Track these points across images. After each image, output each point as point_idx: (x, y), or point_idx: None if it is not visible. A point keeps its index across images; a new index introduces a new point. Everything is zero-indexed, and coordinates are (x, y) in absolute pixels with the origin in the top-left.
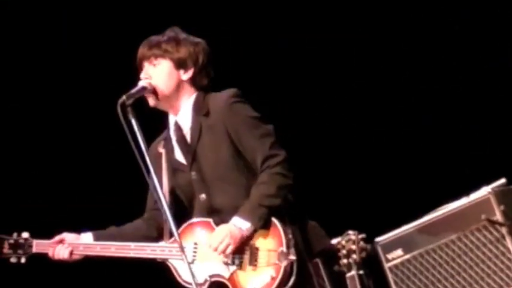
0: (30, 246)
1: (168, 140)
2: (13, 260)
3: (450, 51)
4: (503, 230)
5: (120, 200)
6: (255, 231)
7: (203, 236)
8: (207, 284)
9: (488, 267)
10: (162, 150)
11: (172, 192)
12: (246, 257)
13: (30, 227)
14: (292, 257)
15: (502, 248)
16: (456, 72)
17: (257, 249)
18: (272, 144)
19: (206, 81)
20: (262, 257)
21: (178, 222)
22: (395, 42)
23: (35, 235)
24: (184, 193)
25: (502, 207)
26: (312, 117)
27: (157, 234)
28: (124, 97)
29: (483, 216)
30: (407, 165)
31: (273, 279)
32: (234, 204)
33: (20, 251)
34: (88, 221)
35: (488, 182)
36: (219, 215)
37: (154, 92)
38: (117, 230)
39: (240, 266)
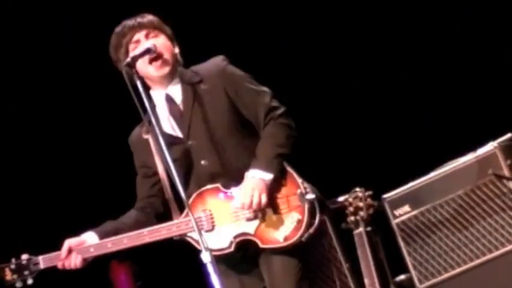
0: (36, 264)
1: (155, 117)
2: (18, 285)
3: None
4: (510, 184)
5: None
6: (275, 180)
7: (216, 201)
8: (233, 246)
9: (496, 221)
10: (146, 136)
11: (167, 172)
12: (268, 208)
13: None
14: (312, 196)
15: (509, 202)
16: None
17: (276, 197)
18: (272, 98)
19: (181, 59)
20: (283, 203)
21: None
22: (391, 38)
23: (26, 249)
24: (181, 166)
25: (508, 161)
26: (317, 78)
27: (157, 221)
28: (129, 59)
29: (490, 171)
30: (414, 121)
31: (300, 221)
32: (236, 165)
33: (25, 272)
34: (75, 220)
35: (494, 137)
36: (222, 178)
37: (158, 58)
38: (117, 223)
39: (264, 219)
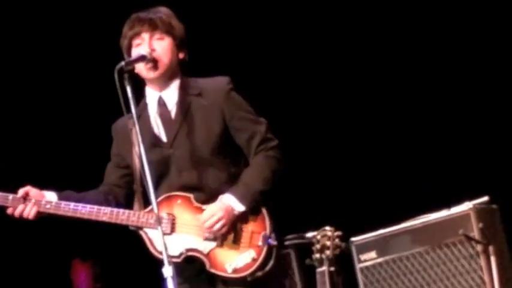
0: None
1: (144, 117)
2: None
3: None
4: (479, 248)
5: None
6: (245, 213)
7: (182, 209)
8: (182, 257)
9: (459, 282)
10: (130, 127)
11: (140, 169)
12: (230, 235)
13: None
14: (274, 242)
15: (474, 265)
16: (446, 88)
17: (241, 229)
18: (267, 129)
19: (187, 64)
20: (245, 237)
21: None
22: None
23: None
24: (156, 169)
25: (481, 224)
26: (300, 116)
27: (116, 208)
28: (123, 63)
29: (461, 231)
30: (396, 171)
31: (254, 260)
32: (212, 186)
33: None
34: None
35: (471, 198)
36: (196, 192)
37: (154, 62)
38: (78, 194)
39: (222, 244)
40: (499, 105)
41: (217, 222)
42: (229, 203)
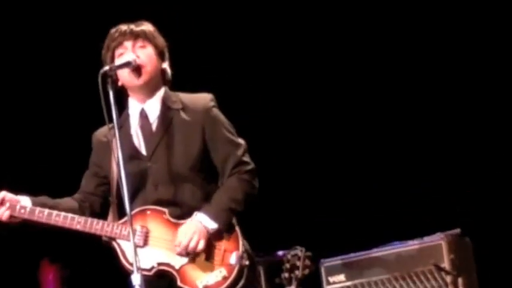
0: None
1: (125, 128)
2: None
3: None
4: (448, 279)
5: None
6: (218, 231)
7: (157, 223)
8: (153, 271)
9: None
10: (111, 138)
11: (118, 180)
12: (202, 253)
13: None
14: (246, 262)
15: None
16: (417, 121)
17: (214, 247)
18: (245, 153)
19: (170, 77)
20: (218, 255)
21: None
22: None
23: None
24: (133, 181)
25: (451, 256)
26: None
27: (90, 217)
28: (107, 68)
29: (432, 261)
30: (371, 196)
31: (225, 278)
32: (188, 202)
33: None
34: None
35: (443, 229)
36: (171, 207)
37: (138, 70)
38: (52, 201)
39: (194, 260)
40: (476, 135)
41: (191, 242)
42: (202, 221)
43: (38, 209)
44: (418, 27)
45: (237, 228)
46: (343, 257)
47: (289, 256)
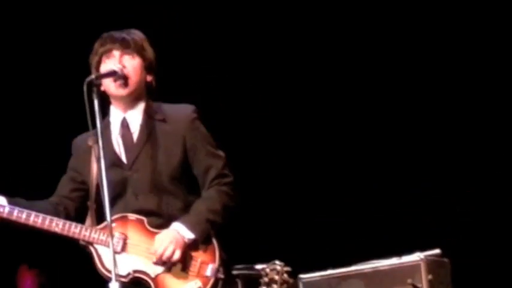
0: None
1: (106, 135)
2: None
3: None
4: None
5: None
6: (195, 242)
7: (135, 231)
8: (129, 278)
9: None
10: (91, 143)
11: (98, 186)
12: (179, 263)
13: None
14: (222, 275)
15: None
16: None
17: (191, 258)
18: (225, 165)
19: (155, 89)
20: (194, 266)
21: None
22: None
23: None
24: (113, 189)
25: (430, 276)
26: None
27: (64, 219)
28: (93, 76)
29: (409, 281)
30: (355, 216)
31: None
32: (167, 212)
33: None
34: None
35: (423, 249)
36: (150, 216)
37: (124, 79)
38: (28, 202)
39: (169, 270)
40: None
41: (167, 251)
42: (180, 230)
43: (17, 209)
44: (418, 27)
45: (215, 241)
46: (321, 273)
47: (268, 270)
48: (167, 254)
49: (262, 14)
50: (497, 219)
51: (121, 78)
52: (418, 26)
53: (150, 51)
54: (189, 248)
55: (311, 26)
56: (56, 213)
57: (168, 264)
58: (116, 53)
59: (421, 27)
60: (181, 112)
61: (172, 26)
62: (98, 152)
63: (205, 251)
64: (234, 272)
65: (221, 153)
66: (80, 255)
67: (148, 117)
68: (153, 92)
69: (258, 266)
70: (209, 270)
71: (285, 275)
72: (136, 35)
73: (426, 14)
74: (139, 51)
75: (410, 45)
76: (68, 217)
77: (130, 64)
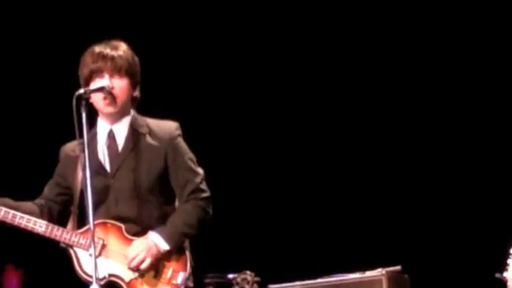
0: None
1: (92, 145)
2: None
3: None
4: None
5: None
6: (169, 252)
7: (113, 237)
8: (104, 281)
9: None
10: (78, 153)
11: (81, 192)
12: (152, 269)
13: None
14: (191, 284)
15: None
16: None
17: (164, 266)
18: (202, 180)
19: (139, 101)
20: (165, 274)
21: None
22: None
23: None
24: (95, 196)
25: None
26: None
27: (48, 221)
28: (82, 91)
29: None
30: (324, 229)
31: None
32: (145, 220)
33: None
34: None
35: (385, 265)
36: (128, 224)
37: (112, 98)
38: (14, 203)
39: (143, 276)
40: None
41: (138, 257)
42: (156, 241)
43: (3, 209)
44: (418, 27)
45: (187, 251)
46: (288, 284)
47: (238, 279)
48: (137, 260)
49: (261, 14)
50: (458, 237)
51: (109, 96)
52: (418, 26)
53: (136, 68)
54: (162, 257)
55: (311, 26)
56: (40, 214)
57: (139, 271)
58: (107, 71)
59: (421, 27)
60: (165, 129)
61: (172, 26)
62: (84, 161)
63: (177, 260)
64: (207, 280)
65: (200, 170)
66: (63, 256)
67: (134, 130)
68: (137, 104)
69: (230, 275)
70: (180, 278)
71: (255, 285)
72: (124, 51)
73: (426, 14)
74: (128, 72)
75: (410, 45)
76: (51, 218)
77: (119, 85)
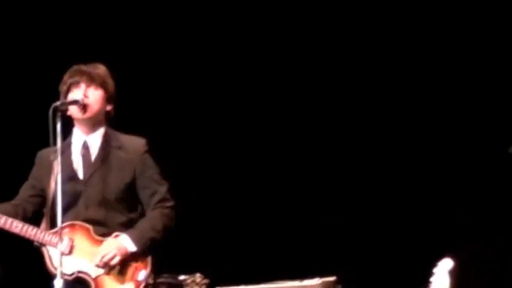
0: None
1: (67, 153)
2: None
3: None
4: None
5: None
6: (135, 253)
7: (82, 236)
8: (73, 276)
9: None
10: (53, 159)
11: (54, 195)
12: (117, 267)
13: None
14: (151, 281)
15: None
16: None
17: (128, 264)
18: (168, 191)
19: (112, 117)
20: (130, 271)
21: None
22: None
23: None
24: (67, 199)
25: None
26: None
27: (22, 221)
28: (58, 103)
29: None
30: (273, 230)
31: None
32: (111, 225)
33: None
34: None
35: (322, 276)
36: (96, 226)
37: (84, 108)
38: None
39: (109, 273)
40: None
41: (108, 255)
42: (124, 243)
43: None
44: (418, 27)
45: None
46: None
47: (188, 281)
48: (108, 257)
49: (262, 14)
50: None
51: (82, 105)
52: (418, 26)
53: (111, 85)
54: (129, 257)
55: (311, 26)
56: (15, 214)
57: (107, 267)
58: (83, 85)
59: (421, 27)
60: (135, 144)
61: (173, 26)
62: (57, 167)
63: (141, 260)
64: (160, 280)
65: (164, 181)
66: (34, 253)
67: (107, 142)
68: (112, 120)
69: (181, 277)
70: (141, 276)
71: (203, 287)
72: (101, 70)
73: (426, 14)
74: (103, 85)
75: (410, 45)
76: (25, 218)
77: (93, 95)
